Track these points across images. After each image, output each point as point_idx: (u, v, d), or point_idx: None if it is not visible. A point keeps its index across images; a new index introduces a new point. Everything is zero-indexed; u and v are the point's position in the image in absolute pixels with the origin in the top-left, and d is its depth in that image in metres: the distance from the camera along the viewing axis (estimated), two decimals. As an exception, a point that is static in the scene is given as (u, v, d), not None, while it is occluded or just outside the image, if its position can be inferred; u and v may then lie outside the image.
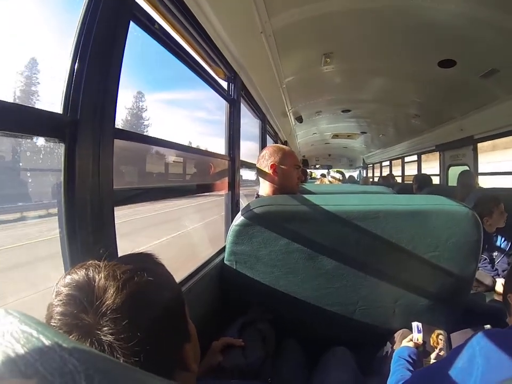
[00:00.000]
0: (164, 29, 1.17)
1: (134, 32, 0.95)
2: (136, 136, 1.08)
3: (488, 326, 1.11)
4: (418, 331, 1.17)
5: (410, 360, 1.05)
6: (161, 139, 1.23)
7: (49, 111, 0.70)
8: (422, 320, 1.22)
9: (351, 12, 2.14)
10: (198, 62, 1.65)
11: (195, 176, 2.20)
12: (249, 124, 3.73)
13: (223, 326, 1.17)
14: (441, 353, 1.14)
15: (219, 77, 2.07)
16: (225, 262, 1.27)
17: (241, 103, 2.39)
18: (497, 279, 2.04)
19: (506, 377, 0.55)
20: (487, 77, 2.98)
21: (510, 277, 0.92)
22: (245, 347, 1.06)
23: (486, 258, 2.20)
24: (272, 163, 1.65)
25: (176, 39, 1.31)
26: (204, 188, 1.81)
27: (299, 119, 5.08)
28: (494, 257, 2.25)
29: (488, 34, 2.29)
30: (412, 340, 1.16)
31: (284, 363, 1.19)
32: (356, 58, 3.06)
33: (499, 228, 2.25)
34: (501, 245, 2.27)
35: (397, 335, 1.27)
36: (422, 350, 1.14)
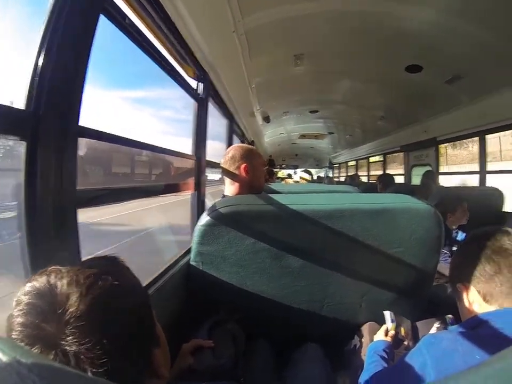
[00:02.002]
0: (135, 24, 1.13)
1: (104, 26, 0.90)
2: (102, 135, 1.03)
3: (450, 316, 1.17)
4: (392, 320, 1.22)
5: (384, 355, 1.08)
6: (128, 138, 1.20)
7: (9, 106, 0.66)
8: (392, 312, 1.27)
9: (323, 14, 2.18)
10: (168, 60, 1.62)
11: (162, 176, 2.15)
12: (216, 123, 3.70)
13: (192, 328, 1.16)
14: (410, 343, 1.20)
15: (189, 76, 2.04)
16: (191, 263, 1.24)
17: (209, 103, 2.36)
18: None
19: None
20: (451, 83, 3.15)
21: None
22: (215, 348, 1.04)
23: (447, 253, 2.32)
24: (244, 164, 1.63)
25: (147, 36, 1.27)
26: (171, 188, 1.77)
27: (267, 119, 5.09)
28: (454, 251, 2.37)
29: (454, 42, 2.42)
30: (386, 332, 1.20)
31: (255, 362, 1.19)
32: (326, 60, 3.12)
33: (460, 225, 2.38)
34: (461, 240, 2.40)
35: (364, 329, 1.31)
36: (394, 341, 1.18)
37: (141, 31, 1.22)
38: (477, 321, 0.79)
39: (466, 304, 0.87)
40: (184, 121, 2.35)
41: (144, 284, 1.05)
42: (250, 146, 1.82)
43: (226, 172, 1.68)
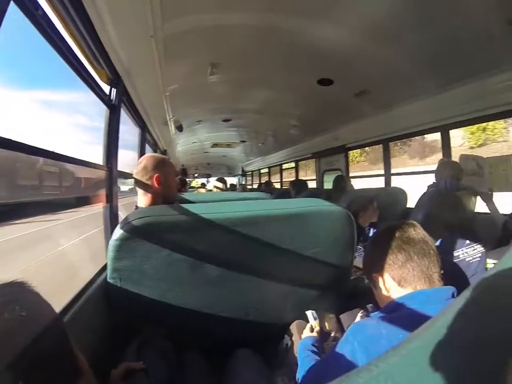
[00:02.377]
0: (48, 16, 0.98)
1: (13, 15, 0.76)
2: (3, 142, 0.87)
3: (370, 305, 1.25)
4: (314, 318, 1.28)
5: (314, 349, 1.13)
6: (33, 146, 1.06)
7: None
8: (313, 309, 1.34)
9: (241, 26, 2.22)
10: (81, 61, 1.46)
11: (72, 188, 1.94)
12: (129, 131, 3.48)
13: (118, 351, 1.09)
14: (337, 334, 1.27)
15: (102, 80, 1.87)
16: (108, 280, 1.15)
17: (121, 110, 2.21)
18: None
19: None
20: (359, 96, 3.49)
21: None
22: (147, 369, 0.99)
23: (361, 248, 2.54)
24: (156, 175, 1.59)
25: (61, 31, 1.12)
26: (82, 201, 1.65)
27: (179, 128, 4.99)
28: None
29: (362, 60, 2.68)
30: (311, 329, 1.25)
31: (191, 376, 1.15)
32: (241, 70, 3.17)
33: (371, 222, 2.63)
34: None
35: (293, 327, 1.35)
36: (321, 335, 1.24)
37: (54, 26, 1.07)
38: (395, 305, 0.88)
39: (383, 291, 0.95)
40: (98, 129, 2.14)
41: (58, 310, 0.97)
42: (162, 156, 1.78)
43: (138, 183, 1.63)
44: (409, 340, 0.29)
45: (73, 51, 1.35)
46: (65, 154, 1.36)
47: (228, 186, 6.85)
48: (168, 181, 1.64)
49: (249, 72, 3.22)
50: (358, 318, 1.23)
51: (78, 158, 1.56)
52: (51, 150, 1.23)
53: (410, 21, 2.08)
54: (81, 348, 0.57)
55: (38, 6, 0.89)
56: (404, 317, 0.81)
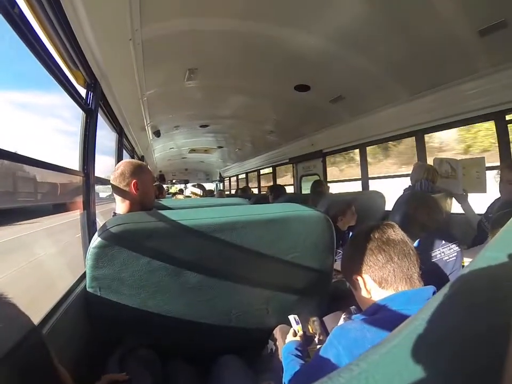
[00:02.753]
0: (24, 15, 0.94)
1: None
2: None
3: (353, 307, 1.26)
4: (297, 323, 1.28)
5: (298, 353, 1.12)
6: (4, 150, 1.00)
7: None
8: (295, 313, 1.34)
9: (220, 32, 2.23)
10: (57, 63, 1.41)
11: (47, 195, 1.87)
12: (105, 136, 3.40)
13: (101, 363, 1.06)
14: (321, 337, 1.26)
15: (78, 83, 1.82)
16: (88, 289, 1.12)
17: (98, 114, 2.16)
18: None
19: None
20: (335, 102, 3.59)
21: (347, 261, 1.04)
22: (130, 380, 0.97)
23: (341, 252, 2.57)
24: (134, 181, 1.57)
25: (36, 31, 1.08)
26: (57, 208, 1.61)
27: (157, 134, 4.94)
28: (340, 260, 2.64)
29: (338, 67, 2.76)
30: (294, 333, 1.24)
31: None
32: (219, 76, 3.18)
33: (350, 226, 2.67)
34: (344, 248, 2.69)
35: (276, 332, 1.35)
36: (304, 339, 1.23)
37: (30, 25, 1.03)
38: (377, 307, 0.88)
39: (364, 292, 0.94)
40: (75, 133, 2.08)
41: (36, 322, 0.94)
42: (139, 162, 1.76)
43: (116, 189, 1.61)
44: (388, 339, 0.29)
45: (49, 51, 1.31)
46: (39, 159, 1.32)
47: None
48: (146, 187, 1.62)
49: (227, 78, 3.24)
50: (341, 321, 1.23)
51: (54, 163, 1.52)
52: (24, 155, 1.19)
53: (383, 29, 2.16)
54: (62, 361, 0.55)
55: (15, 4, 0.86)
56: (386, 318, 0.81)
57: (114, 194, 1.63)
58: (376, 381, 0.25)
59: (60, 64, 1.48)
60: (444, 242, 1.73)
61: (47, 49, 1.29)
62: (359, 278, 0.95)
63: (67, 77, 1.62)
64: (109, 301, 1.13)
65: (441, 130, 3.13)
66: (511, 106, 2.44)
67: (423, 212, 1.73)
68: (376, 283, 0.91)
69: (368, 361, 0.27)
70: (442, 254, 1.71)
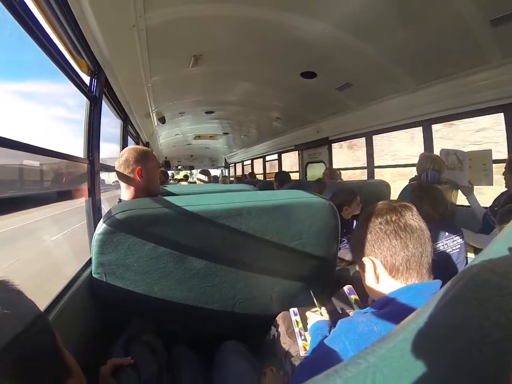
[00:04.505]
0: (26, 4, 0.93)
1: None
2: None
3: (350, 286, 1.30)
4: (295, 314, 1.29)
5: (325, 332, 1.11)
6: (10, 139, 1.03)
7: None
8: (298, 300, 1.35)
9: (225, 18, 2.19)
10: (60, 51, 1.40)
11: (54, 182, 1.88)
12: (109, 124, 3.40)
13: (106, 347, 1.07)
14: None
15: (81, 70, 1.81)
16: (93, 275, 1.14)
17: (102, 101, 2.15)
18: None
19: None
20: (342, 89, 3.54)
21: (359, 241, 0.97)
22: (135, 364, 0.98)
23: (345, 240, 2.58)
24: (138, 167, 1.58)
25: (39, 20, 1.07)
26: (63, 195, 1.62)
27: (162, 120, 4.92)
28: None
29: (345, 54, 2.71)
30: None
31: (181, 370, 1.14)
32: (224, 62, 3.13)
33: (354, 215, 2.67)
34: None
35: (278, 318, 1.36)
36: (303, 327, 1.24)
37: (33, 14, 1.02)
38: (385, 301, 0.85)
39: (371, 277, 0.90)
40: (79, 121, 2.09)
41: (43, 308, 0.95)
42: (144, 148, 1.75)
43: (121, 176, 1.61)
44: (395, 333, 0.29)
45: (52, 40, 1.30)
46: (45, 147, 1.32)
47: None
48: (151, 174, 1.62)
49: (232, 64, 3.20)
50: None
51: (59, 151, 1.53)
52: (30, 143, 1.19)
53: (392, 17, 2.10)
54: (68, 346, 0.56)
55: (16, -7, 0.85)
56: (394, 312, 0.80)
57: (120, 181, 1.64)
58: (385, 376, 0.25)
59: (63, 52, 1.47)
60: (447, 234, 1.72)
61: (50, 37, 1.28)
62: (369, 260, 0.90)
63: (70, 64, 1.61)
64: (114, 286, 1.15)
65: (449, 121, 3.09)
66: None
67: (428, 203, 1.72)
68: (387, 270, 0.87)
69: (376, 355, 0.27)
70: (445, 246, 1.71)
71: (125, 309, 1.19)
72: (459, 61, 2.48)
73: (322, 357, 0.86)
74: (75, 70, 1.69)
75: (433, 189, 1.86)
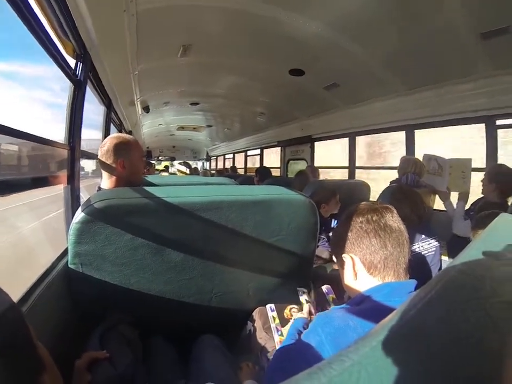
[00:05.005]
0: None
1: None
2: None
3: (328, 286, 1.33)
4: (272, 310, 1.32)
5: (302, 330, 1.14)
6: None
7: None
8: (275, 296, 1.37)
9: (218, 9, 2.16)
10: (46, 30, 1.34)
11: (32, 167, 1.81)
12: (92, 110, 3.30)
13: (82, 340, 1.05)
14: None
15: (67, 53, 1.74)
16: (69, 266, 1.11)
17: (87, 86, 2.08)
18: None
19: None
20: (329, 89, 3.58)
21: (339, 238, 0.99)
22: (111, 357, 0.97)
23: (324, 238, 2.61)
24: (120, 158, 1.53)
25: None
26: (40, 182, 1.56)
27: (146, 109, 4.85)
28: (330, 236, 2.68)
29: (335, 54, 2.73)
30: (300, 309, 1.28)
31: (157, 363, 1.15)
32: (213, 54, 3.10)
33: (334, 214, 2.70)
34: (335, 226, 2.73)
35: (255, 313, 1.37)
36: (279, 323, 1.27)
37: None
38: (361, 298, 0.87)
39: (350, 273, 0.93)
40: (62, 106, 2.02)
41: (16, 299, 0.93)
42: (128, 136, 1.68)
43: (103, 165, 1.56)
44: (377, 331, 0.30)
45: (38, 19, 1.24)
46: (24, 130, 1.26)
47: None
48: (134, 165, 1.57)
49: (221, 56, 3.17)
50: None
51: (38, 135, 1.47)
52: (7, 125, 1.14)
53: (384, 21, 2.14)
54: (42, 339, 0.54)
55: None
56: (370, 309, 0.82)
57: (102, 170, 1.59)
58: (369, 374, 0.26)
59: (49, 31, 1.41)
60: (423, 236, 1.78)
61: (36, 15, 1.22)
62: (348, 257, 0.93)
63: (56, 45, 1.55)
64: (91, 277, 1.13)
65: (432, 127, 3.17)
66: (504, 111, 2.49)
67: (407, 205, 1.76)
68: (365, 267, 0.90)
69: (360, 353, 0.28)
70: (421, 248, 1.77)
71: (101, 300, 1.18)
72: (447, 69, 2.55)
73: (299, 349, 0.87)
74: (60, 52, 1.63)
75: (413, 192, 1.91)
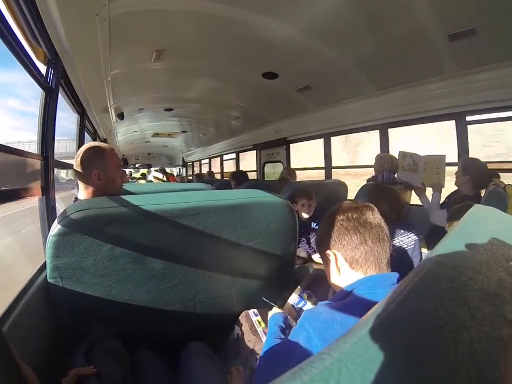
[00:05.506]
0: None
1: None
2: None
3: (299, 288, 1.33)
4: (255, 315, 1.33)
5: (282, 325, 1.17)
6: None
7: None
8: (259, 299, 1.37)
9: (191, 13, 2.17)
10: (15, 35, 1.30)
11: (1, 180, 1.74)
12: (65, 118, 3.21)
13: (67, 357, 1.02)
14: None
15: (38, 59, 1.69)
16: (49, 280, 1.08)
17: (59, 94, 2.03)
18: (314, 255, 2.50)
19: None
20: (302, 91, 3.64)
21: (323, 235, 1.04)
22: (99, 372, 0.94)
23: (304, 240, 2.64)
24: (96, 170, 1.47)
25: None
26: (11, 194, 1.47)
27: (120, 116, 4.77)
28: (310, 238, 2.71)
29: (307, 57, 2.79)
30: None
31: (145, 375, 1.12)
32: (186, 59, 3.10)
33: (313, 216, 2.72)
34: (315, 228, 2.76)
35: (241, 317, 1.37)
36: (266, 326, 1.28)
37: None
38: (345, 293, 0.91)
39: (334, 269, 0.97)
40: (34, 115, 1.96)
41: None
42: (103, 145, 1.63)
43: (78, 175, 1.51)
44: (358, 327, 0.31)
45: (7, 22, 1.20)
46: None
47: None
48: (109, 176, 1.51)
49: (194, 61, 3.17)
50: (293, 297, 1.28)
51: (8, 145, 1.41)
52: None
53: (355, 24, 2.20)
54: (26, 358, 0.54)
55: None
56: (354, 302, 0.85)
57: (78, 180, 1.54)
58: (350, 370, 0.26)
59: (18, 36, 1.36)
60: (402, 231, 1.83)
61: (5, 19, 1.18)
62: (331, 254, 0.96)
63: (26, 51, 1.49)
64: (71, 291, 1.09)
65: (404, 125, 3.28)
66: (472, 108, 2.61)
67: (384, 203, 1.80)
68: (347, 262, 0.93)
69: (340, 350, 0.28)
70: (401, 243, 1.81)
71: (83, 314, 1.15)
72: (417, 70, 2.65)
73: (289, 347, 0.88)
74: (30, 58, 1.58)
75: (389, 190, 1.96)
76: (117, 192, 1.55)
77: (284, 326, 1.17)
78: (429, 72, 2.63)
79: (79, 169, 1.48)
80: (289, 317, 1.26)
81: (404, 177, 2.71)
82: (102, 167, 1.48)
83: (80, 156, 1.49)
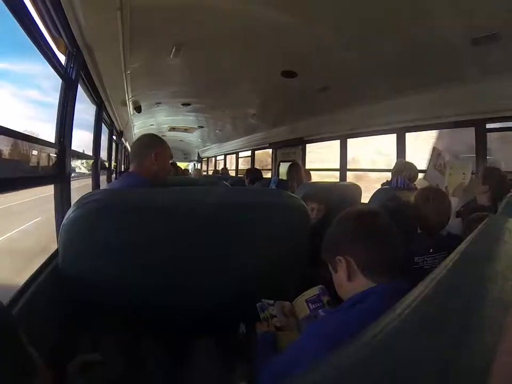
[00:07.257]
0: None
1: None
2: None
3: (322, 286, 1.30)
4: (262, 310, 1.31)
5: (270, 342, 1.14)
6: None
7: None
8: (267, 296, 1.35)
9: (212, 9, 2.15)
10: (38, 27, 1.32)
11: (22, 167, 1.79)
12: (83, 110, 3.26)
13: (74, 343, 1.03)
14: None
15: (59, 50, 1.72)
16: (60, 267, 1.09)
17: (78, 85, 2.06)
18: None
19: None
20: (321, 92, 3.58)
21: (333, 241, 1.01)
22: (104, 361, 0.95)
23: None
24: (155, 151, 1.62)
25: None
26: (30, 181, 1.55)
27: (138, 109, 4.81)
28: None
29: (328, 58, 2.75)
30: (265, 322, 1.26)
31: (150, 366, 1.12)
32: (205, 55, 3.09)
33: (323, 218, 2.66)
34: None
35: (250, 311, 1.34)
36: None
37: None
38: (355, 300, 0.87)
39: (344, 275, 0.92)
40: (52, 105, 1.99)
41: (5, 302, 0.92)
42: (159, 136, 1.81)
43: (135, 153, 1.67)
44: (363, 334, 0.30)
45: (30, 14, 1.22)
46: (13, 129, 1.24)
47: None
48: (164, 161, 1.68)
49: (213, 57, 3.15)
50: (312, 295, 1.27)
51: (29, 134, 1.44)
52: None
53: (378, 27, 2.16)
54: (33, 342, 0.53)
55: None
56: (364, 311, 0.81)
57: (132, 158, 1.67)
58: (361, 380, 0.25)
59: (41, 28, 1.39)
60: (431, 250, 1.58)
61: (29, 11, 1.20)
62: (342, 259, 0.92)
63: (48, 42, 1.53)
64: (82, 278, 1.10)
65: (423, 130, 3.22)
66: (493, 115, 2.53)
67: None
68: (359, 268, 0.90)
69: (343, 358, 0.28)
70: (425, 263, 1.59)
71: (93, 301, 1.15)
72: (438, 74, 2.58)
73: (296, 356, 0.85)
74: (52, 49, 1.61)
75: (404, 195, 1.89)
76: (164, 178, 1.72)
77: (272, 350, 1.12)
78: (449, 77, 2.57)
79: (139, 148, 1.65)
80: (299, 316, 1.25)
81: (431, 177, 2.61)
82: (161, 152, 1.64)
83: (142, 138, 1.71)
